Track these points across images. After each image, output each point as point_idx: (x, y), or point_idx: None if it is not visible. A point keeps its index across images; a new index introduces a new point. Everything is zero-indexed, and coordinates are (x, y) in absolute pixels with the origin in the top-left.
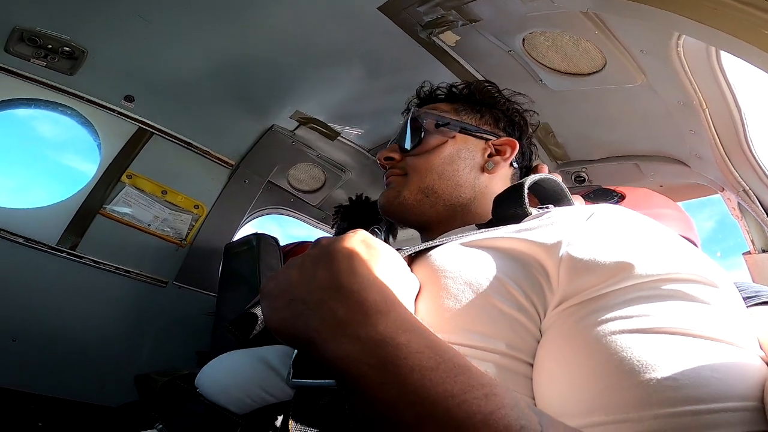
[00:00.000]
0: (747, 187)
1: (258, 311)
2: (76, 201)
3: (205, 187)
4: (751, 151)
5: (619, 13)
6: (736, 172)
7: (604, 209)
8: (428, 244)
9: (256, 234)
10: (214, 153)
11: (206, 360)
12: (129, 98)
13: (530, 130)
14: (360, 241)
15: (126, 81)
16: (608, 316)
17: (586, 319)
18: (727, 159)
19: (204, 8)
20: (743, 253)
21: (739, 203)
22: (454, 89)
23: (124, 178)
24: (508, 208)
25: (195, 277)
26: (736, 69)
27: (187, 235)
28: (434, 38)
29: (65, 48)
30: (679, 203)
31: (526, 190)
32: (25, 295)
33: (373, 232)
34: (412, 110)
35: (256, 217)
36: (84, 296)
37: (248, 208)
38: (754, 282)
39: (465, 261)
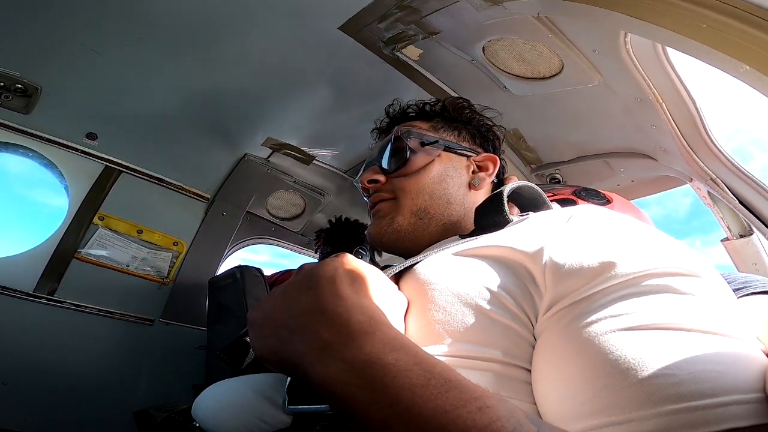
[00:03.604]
0: (714, 176)
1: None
2: (49, 247)
3: (183, 223)
4: (712, 141)
5: (566, 15)
6: (701, 162)
7: (581, 211)
8: (413, 260)
9: (239, 267)
10: (187, 188)
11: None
12: (91, 136)
13: (501, 144)
14: (343, 264)
15: (86, 117)
16: (596, 316)
17: (575, 321)
18: (690, 150)
19: (164, 40)
20: (722, 240)
21: (708, 192)
22: (427, 107)
23: (96, 220)
24: (489, 217)
25: (182, 313)
26: (685, 63)
27: (168, 273)
28: (398, 53)
29: (17, 85)
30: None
31: (505, 198)
32: (8, 341)
33: (357, 254)
34: (394, 129)
35: (239, 249)
36: (69, 339)
37: (229, 241)
38: (737, 268)
39: (451, 272)
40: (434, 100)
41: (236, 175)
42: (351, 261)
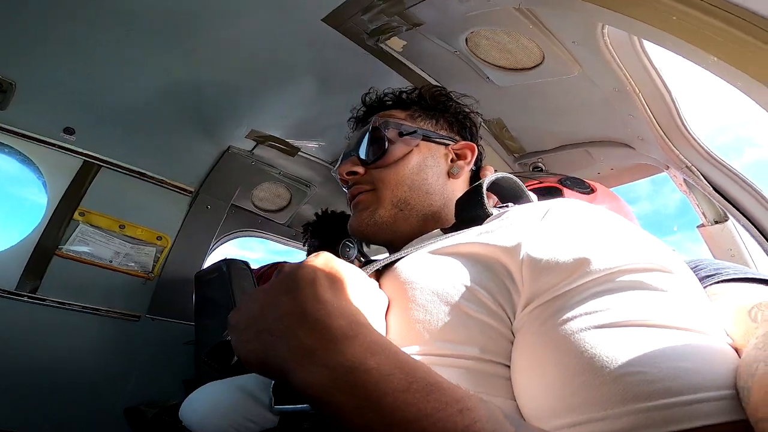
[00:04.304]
0: (689, 163)
1: None
2: (29, 244)
3: (166, 217)
4: (687, 129)
5: (546, 5)
6: (677, 151)
7: (558, 205)
8: (394, 257)
9: (225, 260)
10: (170, 181)
11: (193, 388)
12: (69, 130)
13: (478, 131)
14: (322, 265)
15: (63, 112)
16: (571, 314)
17: (551, 318)
18: (666, 139)
19: (143, 32)
20: (697, 226)
21: (684, 179)
22: (403, 95)
23: (76, 215)
24: (470, 211)
25: (168, 308)
26: (664, 56)
27: (153, 268)
28: (381, 45)
29: None
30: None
31: (484, 191)
32: None
33: (345, 246)
34: (371, 120)
35: (224, 242)
36: (55, 337)
37: (214, 234)
38: (712, 254)
39: (430, 270)
40: (410, 87)
41: (220, 167)
42: (330, 261)
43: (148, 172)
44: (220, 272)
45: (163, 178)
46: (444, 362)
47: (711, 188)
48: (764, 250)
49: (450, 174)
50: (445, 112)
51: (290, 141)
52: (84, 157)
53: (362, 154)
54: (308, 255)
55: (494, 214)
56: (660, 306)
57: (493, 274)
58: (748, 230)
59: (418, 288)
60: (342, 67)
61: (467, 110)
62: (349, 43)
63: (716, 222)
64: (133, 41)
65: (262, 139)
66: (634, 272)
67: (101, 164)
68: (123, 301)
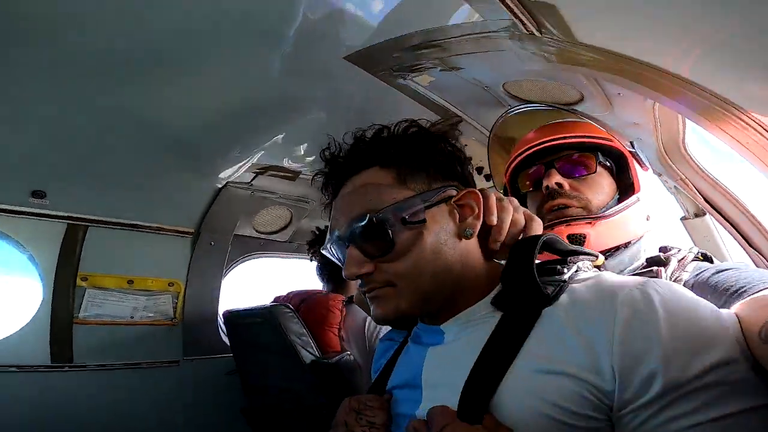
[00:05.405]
0: (684, 176)
1: None
2: (43, 319)
3: (172, 263)
4: (687, 152)
5: (613, 82)
6: (674, 166)
7: (626, 300)
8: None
9: (267, 308)
10: (167, 227)
11: (253, 416)
12: (38, 194)
13: (467, 162)
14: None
15: (26, 174)
16: (665, 416)
17: (647, 423)
18: (667, 158)
19: (113, 70)
20: (680, 218)
21: (675, 185)
22: (379, 149)
23: (79, 282)
24: (522, 287)
25: (202, 346)
26: None
27: (175, 313)
28: (407, 81)
29: None
30: None
31: (535, 271)
32: (53, 415)
33: None
34: (367, 217)
35: (230, 271)
36: (106, 399)
37: (222, 267)
38: (693, 241)
39: (533, 398)
40: (376, 128)
41: (218, 204)
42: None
43: (140, 222)
44: (264, 318)
45: (160, 225)
46: None
47: (700, 196)
48: (735, 239)
49: (461, 236)
50: (434, 155)
51: (292, 167)
52: (66, 221)
53: (363, 245)
54: (319, 272)
55: (551, 297)
56: (747, 392)
57: (586, 391)
58: (722, 224)
59: (530, 419)
60: (356, 99)
61: (450, 145)
62: (368, 77)
63: (696, 216)
64: (103, 80)
65: (262, 171)
66: (714, 369)
67: (87, 224)
68: (158, 350)
